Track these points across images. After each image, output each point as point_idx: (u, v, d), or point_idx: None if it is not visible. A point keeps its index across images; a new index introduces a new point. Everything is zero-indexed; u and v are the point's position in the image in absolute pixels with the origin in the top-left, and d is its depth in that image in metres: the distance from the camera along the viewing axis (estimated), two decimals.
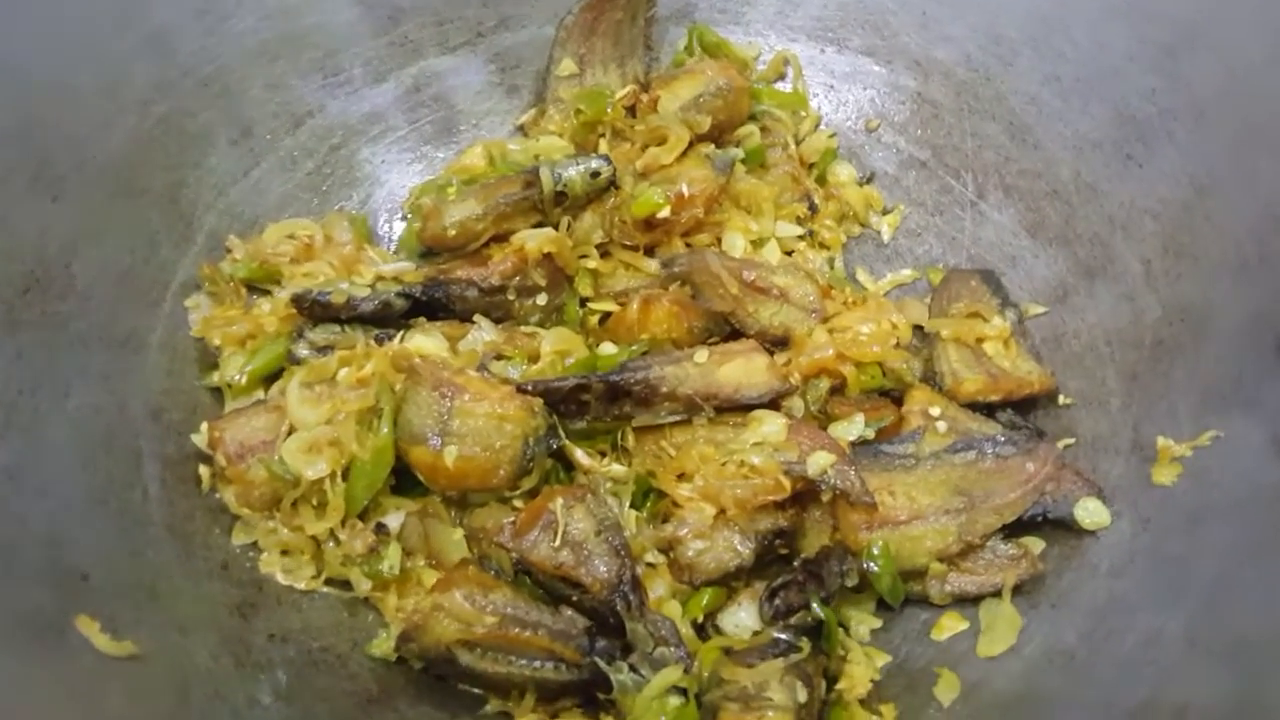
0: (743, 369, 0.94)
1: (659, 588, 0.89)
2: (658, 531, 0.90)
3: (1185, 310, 0.95)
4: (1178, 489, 0.88)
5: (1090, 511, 0.91)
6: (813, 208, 1.11)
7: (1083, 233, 1.04)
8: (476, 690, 0.86)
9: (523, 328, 1.00)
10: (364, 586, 0.89)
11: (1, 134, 0.88)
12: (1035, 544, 0.91)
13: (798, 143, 1.15)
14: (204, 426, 0.92)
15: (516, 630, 0.83)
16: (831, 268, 1.12)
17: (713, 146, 1.09)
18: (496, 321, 1.00)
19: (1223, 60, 0.97)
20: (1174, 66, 1.00)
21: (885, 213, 1.15)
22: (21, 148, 0.89)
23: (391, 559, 0.89)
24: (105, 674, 0.73)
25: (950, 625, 0.90)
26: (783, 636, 0.84)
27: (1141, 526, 0.88)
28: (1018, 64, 1.10)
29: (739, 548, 0.88)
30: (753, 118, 1.14)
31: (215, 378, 0.97)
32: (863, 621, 0.91)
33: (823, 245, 1.12)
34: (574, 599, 0.85)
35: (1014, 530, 0.91)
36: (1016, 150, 1.09)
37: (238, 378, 0.96)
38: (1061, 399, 0.99)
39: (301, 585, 0.90)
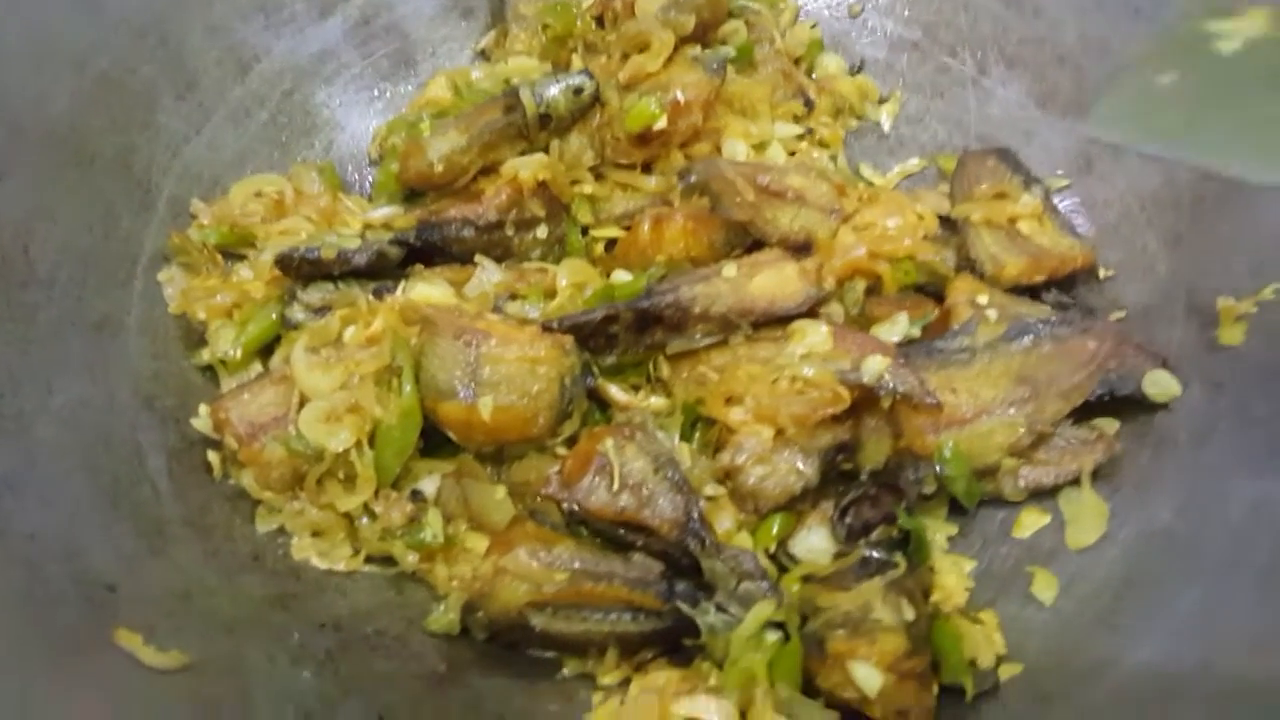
0: (775, 279, 0.89)
1: (725, 521, 0.84)
2: (713, 462, 0.84)
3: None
4: (1248, 347, 0.84)
5: (1159, 383, 0.86)
6: (809, 104, 1.06)
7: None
8: (549, 654, 0.80)
9: (528, 264, 0.94)
10: (410, 560, 0.83)
11: None
12: (1109, 425, 0.87)
13: (781, 36, 1.09)
14: (203, 409, 0.85)
15: (590, 584, 0.78)
16: (835, 165, 1.06)
17: (699, 48, 1.02)
18: (498, 260, 0.93)
19: None
20: None
21: (882, 101, 1.11)
22: None
23: (434, 527, 0.83)
24: (160, 689, 0.68)
25: (1031, 521, 0.86)
26: (874, 554, 0.79)
27: (1216, 391, 0.84)
28: None
29: (802, 468, 0.83)
30: (732, 14, 1.07)
31: (205, 355, 0.90)
32: (938, 530, 0.86)
33: (822, 143, 1.07)
34: (640, 544, 0.79)
35: (1083, 414, 0.86)
36: (1014, 18, 1.05)
37: (231, 352, 0.89)
38: (1102, 272, 0.95)
39: (341, 567, 0.83)
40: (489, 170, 0.96)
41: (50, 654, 0.65)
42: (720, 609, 0.77)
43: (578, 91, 0.96)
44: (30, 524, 0.71)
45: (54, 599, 0.68)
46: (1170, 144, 0.72)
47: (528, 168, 0.94)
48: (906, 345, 0.90)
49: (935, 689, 0.75)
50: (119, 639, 0.68)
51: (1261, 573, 0.73)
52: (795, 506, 0.84)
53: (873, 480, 0.84)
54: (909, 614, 0.76)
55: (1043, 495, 0.87)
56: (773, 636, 0.76)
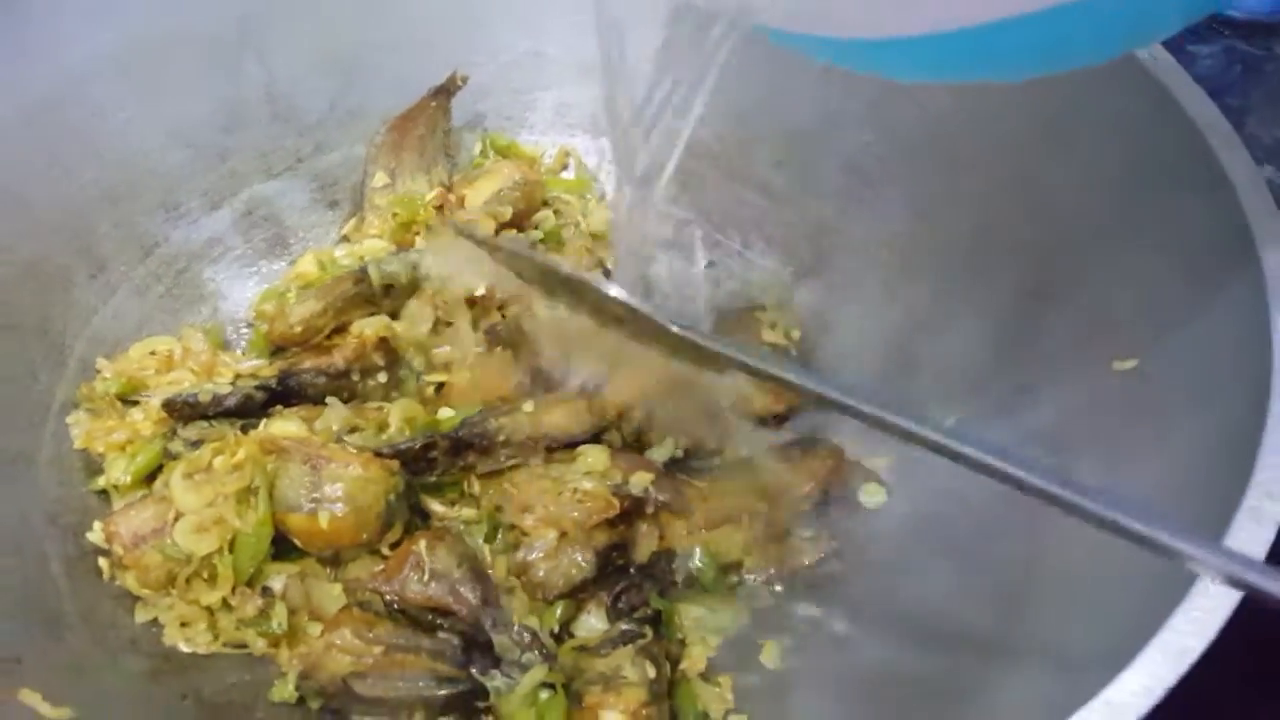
0: (566, 413, 1.10)
1: (518, 606, 1.03)
2: (510, 559, 1.04)
3: (921, 319, 1.16)
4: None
5: (872, 493, 1.10)
6: (607, 273, 1.29)
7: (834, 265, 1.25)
8: (371, 718, 0.98)
9: (369, 404, 1.15)
10: (259, 644, 1.01)
11: None
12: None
13: (584, 219, 1.33)
14: (97, 525, 1.03)
15: (400, 655, 0.96)
16: None
17: (515, 231, 1.26)
18: (345, 401, 1.14)
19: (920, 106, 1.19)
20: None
21: None
22: None
23: (279, 617, 1.01)
24: None
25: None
26: (628, 627, 1.00)
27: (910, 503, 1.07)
28: (759, 133, 1.30)
29: (581, 562, 1.03)
30: (545, 203, 1.31)
31: (101, 482, 1.08)
32: (692, 610, 1.07)
33: None
34: (446, 625, 0.99)
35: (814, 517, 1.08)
36: (771, 206, 1.30)
37: (123, 478, 1.07)
38: None
39: (203, 650, 1.00)
40: (341, 329, 1.17)
41: None
42: (505, 674, 0.97)
43: (415, 266, 1.19)
44: None
45: None
46: None
47: (370, 326, 1.15)
48: (671, 463, 1.11)
49: None
50: (22, 697, 0.85)
51: None
52: (577, 594, 1.03)
53: (639, 572, 1.05)
54: (651, 672, 0.95)
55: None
56: (545, 694, 0.95)
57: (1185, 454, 0.79)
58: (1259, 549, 0.65)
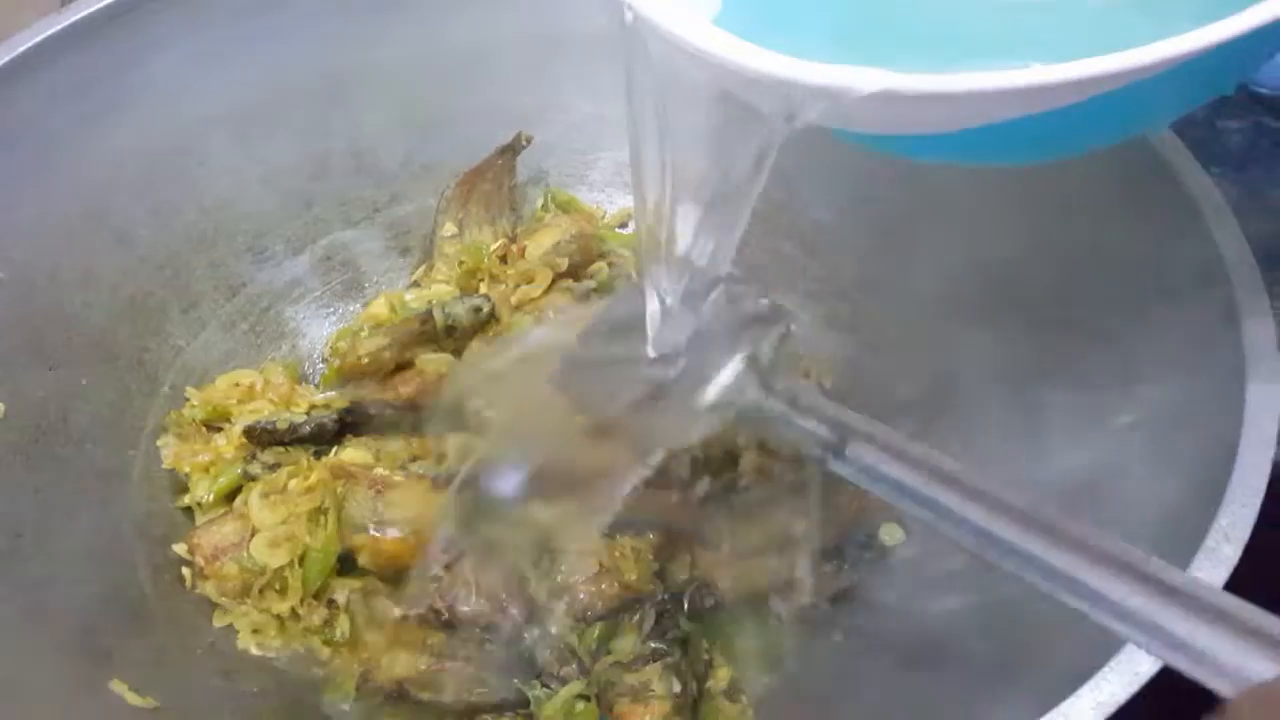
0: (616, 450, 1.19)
1: (558, 626, 1.11)
2: (553, 582, 1.12)
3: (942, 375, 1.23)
4: None
5: (891, 533, 1.18)
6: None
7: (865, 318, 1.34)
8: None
9: (429, 435, 1.23)
10: (324, 651, 1.10)
11: (11, 320, 1.10)
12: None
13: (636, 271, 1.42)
14: (184, 538, 1.14)
15: (450, 664, 1.06)
16: None
17: (572, 281, 1.36)
18: (409, 432, 1.23)
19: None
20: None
21: None
22: (25, 330, 1.11)
23: (342, 627, 1.11)
24: (139, 718, 0.95)
25: None
26: (658, 646, 1.08)
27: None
28: (800, 191, 1.40)
29: (619, 589, 1.11)
30: (601, 256, 1.41)
31: (187, 499, 1.18)
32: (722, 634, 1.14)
33: None
34: (491, 639, 1.07)
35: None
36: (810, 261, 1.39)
37: (206, 497, 1.18)
38: None
39: (272, 654, 1.10)
40: (406, 366, 1.28)
41: (67, 691, 0.93)
42: (545, 685, 1.06)
43: (477, 310, 1.29)
44: (55, 609, 0.98)
45: (72, 656, 0.96)
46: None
47: (432, 363, 1.26)
48: (705, 500, 1.19)
49: None
50: (113, 686, 0.94)
51: None
52: (615, 616, 1.11)
53: (672, 599, 1.13)
54: (676, 688, 1.04)
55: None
56: (580, 705, 1.04)
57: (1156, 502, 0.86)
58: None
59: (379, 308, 1.38)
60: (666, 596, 1.13)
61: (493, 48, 1.41)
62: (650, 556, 1.13)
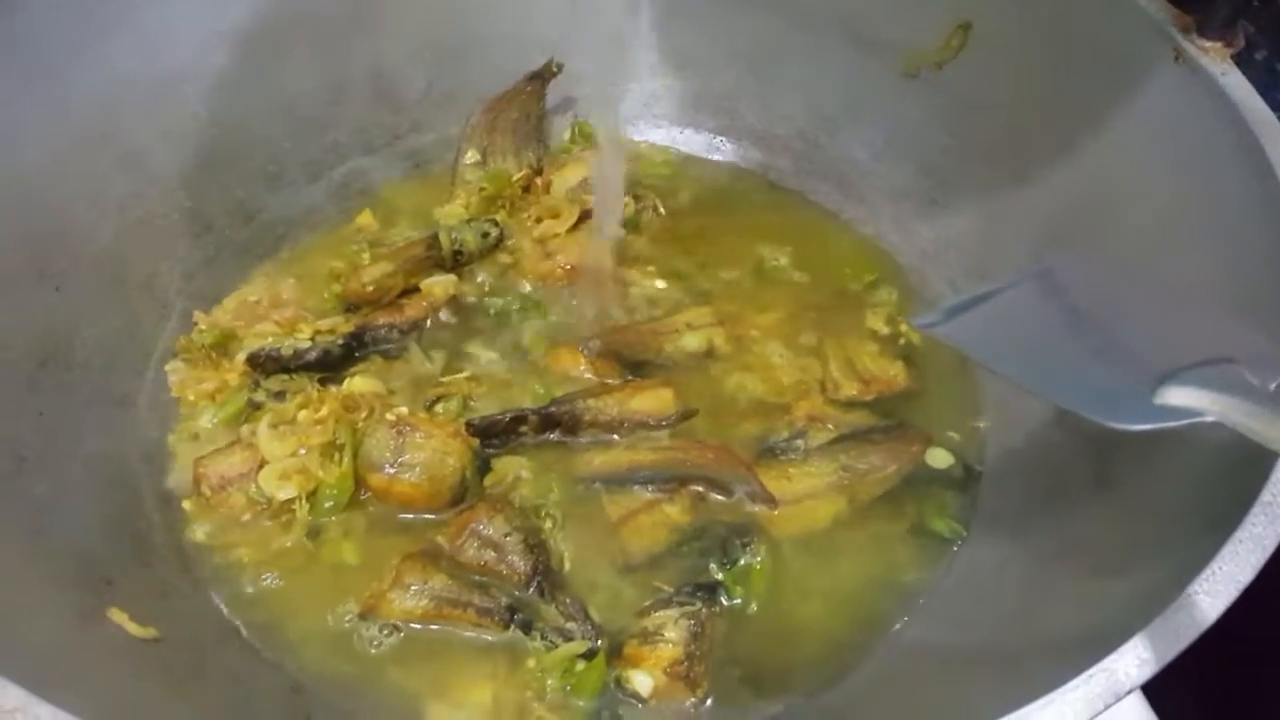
0: (652, 399, 1.16)
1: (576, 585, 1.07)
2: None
3: None
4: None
5: (936, 456, 1.16)
6: None
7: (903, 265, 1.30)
8: None
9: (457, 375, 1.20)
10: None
11: (13, 239, 1.06)
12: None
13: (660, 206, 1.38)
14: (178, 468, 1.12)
15: (449, 609, 1.03)
16: None
17: None
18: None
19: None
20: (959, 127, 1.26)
21: None
22: (29, 250, 1.08)
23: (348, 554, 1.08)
24: (137, 648, 0.91)
25: None
26: (678, 595, 1.04)
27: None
28: (839, 135, 1.35)
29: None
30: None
31: (186, 429, 1.16)
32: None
33: None
34: (495, 587, 1.04)
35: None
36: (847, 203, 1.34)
37: (209, 425, 1.15)
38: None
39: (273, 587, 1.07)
40: (411, 290, 1.24)
41: (66, 619, 0.89)
42: (544, 637, 1.01)
43: (485, 235, 1.27)
44: (57, 533, 0.96)
45: (71, 583, 0.93)
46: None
47: (439, 285, 1.23)
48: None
49: (700, 692, 1.00)
50: (112, 615, 0.91)
51: None
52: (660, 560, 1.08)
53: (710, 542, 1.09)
54: (692, 637, 1.01)
55: None
56: (580, 665, 1.00)
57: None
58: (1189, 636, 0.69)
59: (366, 219, 1.36)
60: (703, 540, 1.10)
61: None
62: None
